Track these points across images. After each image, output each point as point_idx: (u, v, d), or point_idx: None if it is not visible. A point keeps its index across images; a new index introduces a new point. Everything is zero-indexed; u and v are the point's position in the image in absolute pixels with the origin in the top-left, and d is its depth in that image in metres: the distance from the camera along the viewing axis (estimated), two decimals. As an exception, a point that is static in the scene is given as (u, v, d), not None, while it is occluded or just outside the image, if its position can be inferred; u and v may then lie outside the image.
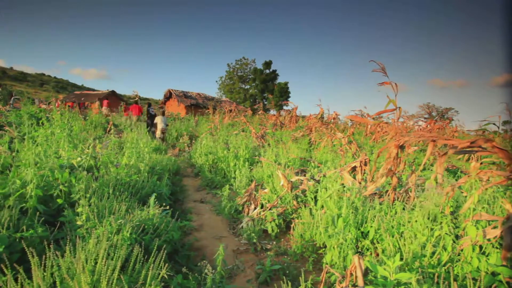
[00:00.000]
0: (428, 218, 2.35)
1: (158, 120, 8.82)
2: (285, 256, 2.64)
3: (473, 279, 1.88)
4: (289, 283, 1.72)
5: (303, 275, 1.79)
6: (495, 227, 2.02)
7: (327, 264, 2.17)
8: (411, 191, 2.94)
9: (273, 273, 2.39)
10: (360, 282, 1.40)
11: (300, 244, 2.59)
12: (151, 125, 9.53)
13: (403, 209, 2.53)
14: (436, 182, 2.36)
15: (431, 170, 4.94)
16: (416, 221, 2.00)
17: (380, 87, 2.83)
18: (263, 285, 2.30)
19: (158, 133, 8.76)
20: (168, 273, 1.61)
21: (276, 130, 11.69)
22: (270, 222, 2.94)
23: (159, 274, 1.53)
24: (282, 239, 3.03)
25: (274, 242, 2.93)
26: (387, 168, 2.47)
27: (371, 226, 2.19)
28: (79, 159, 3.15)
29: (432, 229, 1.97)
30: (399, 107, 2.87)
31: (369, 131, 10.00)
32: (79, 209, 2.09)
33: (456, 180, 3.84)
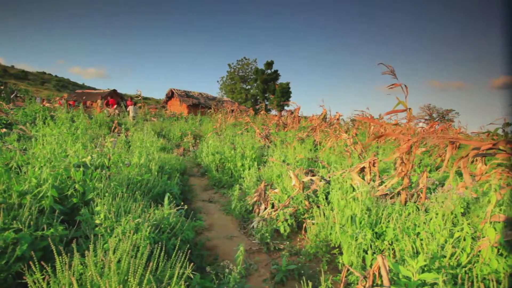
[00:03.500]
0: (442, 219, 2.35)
1: (130, 109, 12.08)
2: (300, 256, 2.65)
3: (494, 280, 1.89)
4: (310, 283, 1.72)
5: (323, 275, 1.80)
6: (513, 229, 2.03)
7: (344, 264, 2.18)
8: (422, 192, 2.94)
9: (288, 273, 2.40)
10: (386, 282, 1.41)
11: (314, 244, 2.59)
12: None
13: (417, 209, 2.54)
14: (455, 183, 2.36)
15: (442, 172, 4.94)
16: (431, 221, 2.01)
17: (389, 88, 2.82)
18: (279, 285, 2.31)
19: (130, 119, 11.53)
20: (192, 272, 1.61)
21: (279, 130, 11.70)
22: (283, 222, 2.95)
23: (183, 273, 1.53)
24: (294, 239, 3.04)
25: (287, 242, 2.93)
26: (400, 168, 2.47)
27: (387, 227, 2.20)
28: (89, 157, 3.15)
29: (451, 229, 1.98)
30: (410, 108, 2.87)
31: (372, 132, 10.01)
32: (98, 208, 2.10)
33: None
